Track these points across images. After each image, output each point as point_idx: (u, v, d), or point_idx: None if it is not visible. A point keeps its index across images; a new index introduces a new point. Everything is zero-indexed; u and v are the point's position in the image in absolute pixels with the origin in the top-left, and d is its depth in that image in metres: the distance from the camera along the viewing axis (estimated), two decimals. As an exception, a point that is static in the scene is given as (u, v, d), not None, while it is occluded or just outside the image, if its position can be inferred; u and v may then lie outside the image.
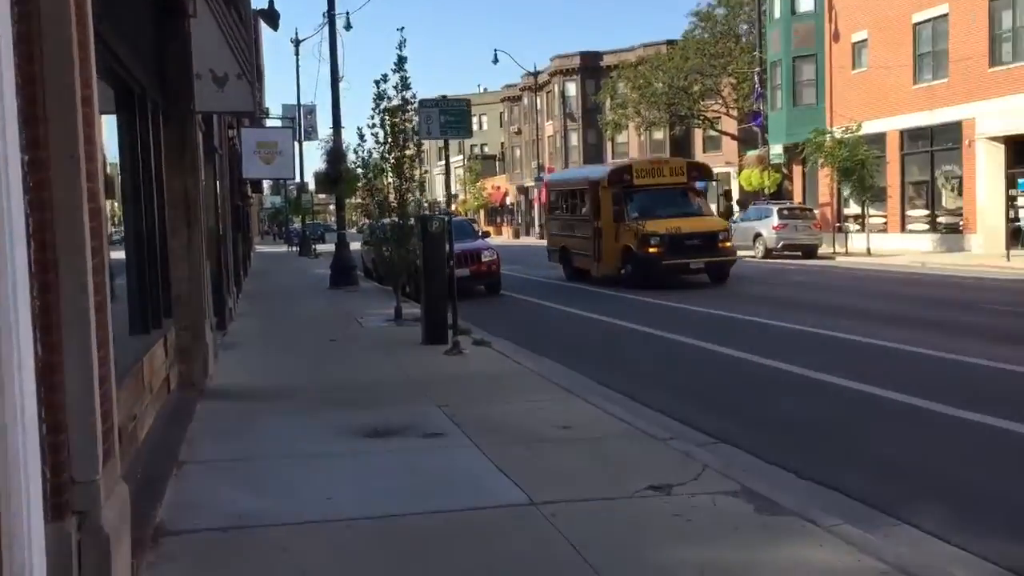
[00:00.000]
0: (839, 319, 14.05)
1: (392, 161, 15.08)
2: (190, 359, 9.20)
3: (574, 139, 64.34)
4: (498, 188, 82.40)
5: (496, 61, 62.98)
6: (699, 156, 59.15)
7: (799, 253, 29.46)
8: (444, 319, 12.29)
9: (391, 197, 15.31)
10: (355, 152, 15.47)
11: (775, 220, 29.14)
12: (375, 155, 15.24)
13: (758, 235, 29.68)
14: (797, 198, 35.94)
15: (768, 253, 29.45)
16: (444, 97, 11.58)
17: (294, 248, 51.58)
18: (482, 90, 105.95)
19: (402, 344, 12.30)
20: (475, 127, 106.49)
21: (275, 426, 7.55)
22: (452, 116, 11.24)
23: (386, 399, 8.52)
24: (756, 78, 37.15)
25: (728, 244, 21.18)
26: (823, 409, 8.31)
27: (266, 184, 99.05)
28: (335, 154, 21.53)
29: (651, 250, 20.24)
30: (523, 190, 76.35)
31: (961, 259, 25.56)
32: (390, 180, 15.36)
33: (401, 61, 14.66)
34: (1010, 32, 26.57)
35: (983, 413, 7.58)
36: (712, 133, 53.46)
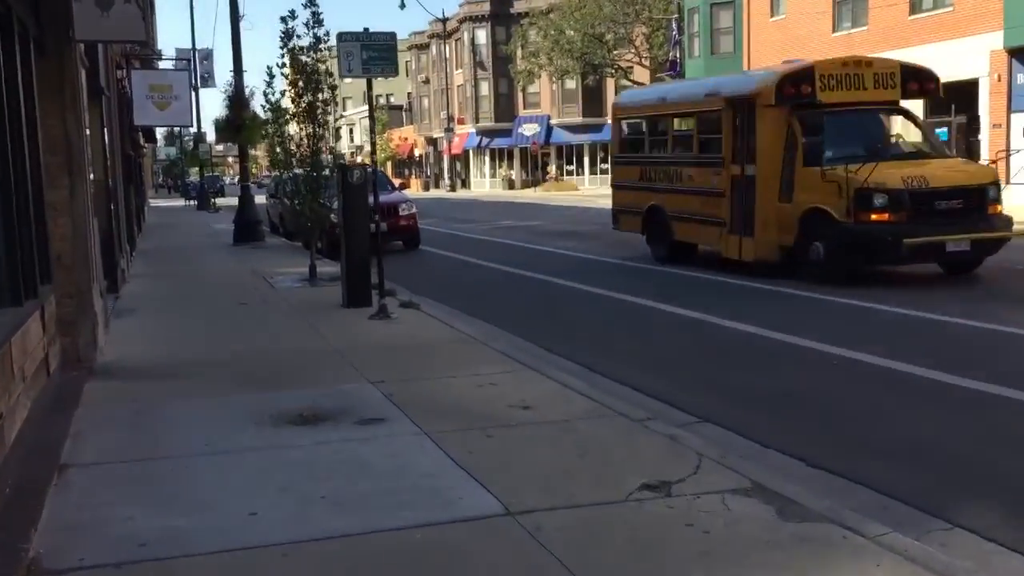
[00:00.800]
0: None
1: (304, 106, 13.75)
2: (75, 331, 7.90)
3: (484, 88, 62.87)
4: (406, 139, 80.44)
5: (403, 6, 60.58)
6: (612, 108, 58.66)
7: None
8: (367, 279, 11.16)
9: (302, 146, 14.00)
10: (264, 95, 14.02)
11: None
12: (285, 99, 13.86)
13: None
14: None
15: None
16: (366, 30, 10.28)
17: (192, 202, 49.11)
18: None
19: (321, 307, 11.13)
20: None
21: (179, 413, 6.37)
22: (376, 51, 9.98)
23: (310, 375, 7.41)
24: (674, 25, 36.42)
25: (1001, 209, 12.48)
26: (803, 377, 7.55)
27: (160, 133, 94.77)
28: (237, 99, 19.89)
29: (877, 217, 11.79)
30: (432, 141, 74.63)
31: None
32: (301, 127, 14.01)
33: (312, -6, 13.33)
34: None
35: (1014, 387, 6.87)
36: (625, 82, 52.67)
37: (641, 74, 51.78)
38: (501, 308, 11.47)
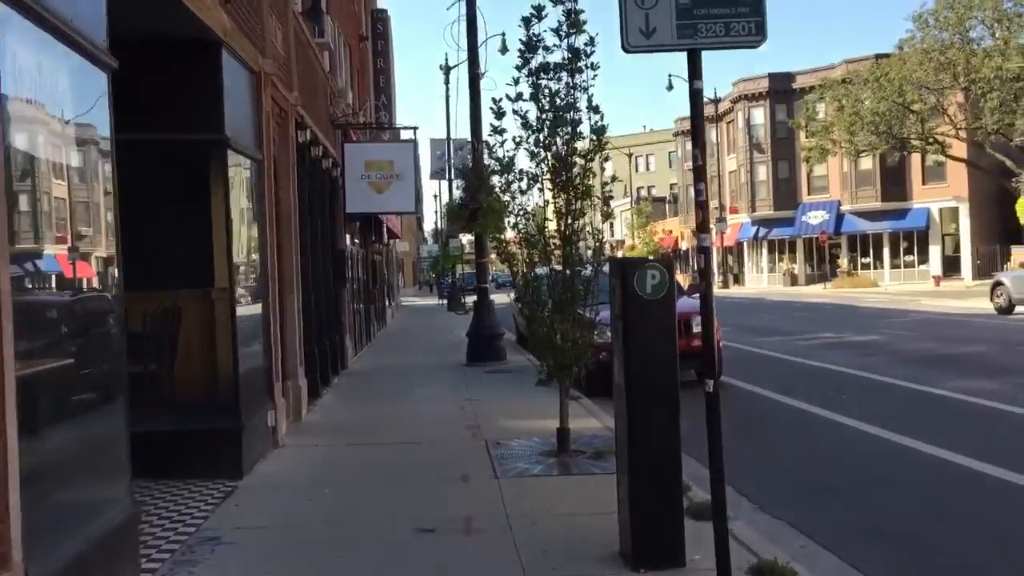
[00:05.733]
0: None
1: (550, 161, 8.26)
2: None
3: (762, 173, 56.03)
4: (669, 232, 74.75)
5: (671, 88, 55.06)
6: (918, 189, 49.96)
7: None
8: (672, 501, 5.13)
9: (549, 228, 8.51)
10: (489, 148, 8.65)
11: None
12: (523, 149, 8.39)
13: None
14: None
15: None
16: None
17: (444, 301, 45.72)
18: (647, 130, 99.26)
19: (577, 560, 5.22)
20: (641, 168, 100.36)
21: None
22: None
23: None
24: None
25: None
26: None
27: (427, 229, 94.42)
28: (474, 177, 14.88)
29: None
30: (699, 234, 68.28)
31: None
32: (548, 196, 8.50)
33: (567, -15, 8.06)
34: None
35: None
36: (941, 159, 44.13)
37: (959, 149, 43.11)
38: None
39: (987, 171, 43.16)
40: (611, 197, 8.50)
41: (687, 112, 4.76)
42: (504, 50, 23.95)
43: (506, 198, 8.65)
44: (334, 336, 14.97)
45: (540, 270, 8.43)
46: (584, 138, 8.33)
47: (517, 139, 8.32)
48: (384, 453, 8.79)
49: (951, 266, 48.96)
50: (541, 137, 8.27)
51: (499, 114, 8.38)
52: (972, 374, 12.43)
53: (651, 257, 53.28)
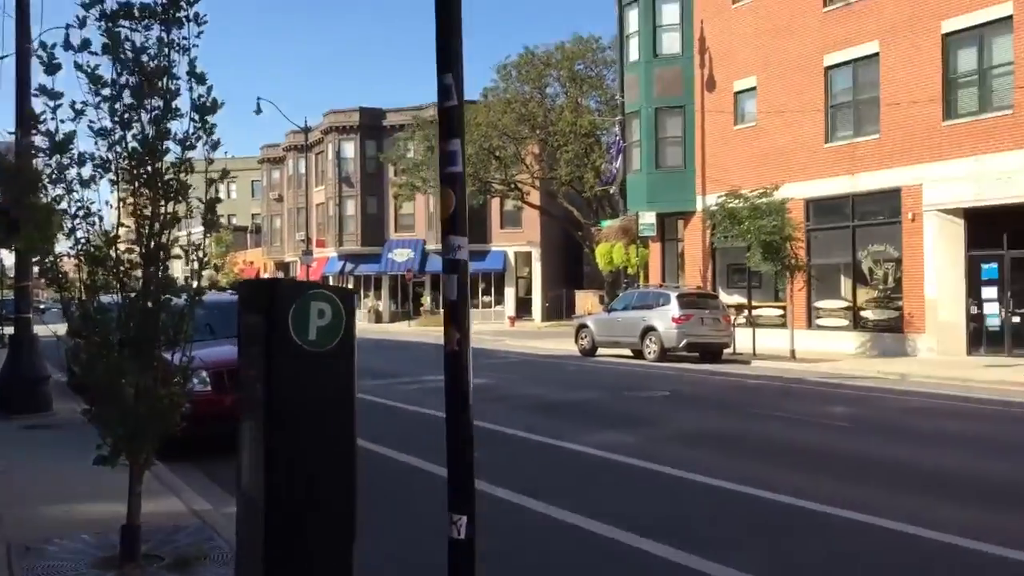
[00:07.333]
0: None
1: (131, 143, 5.82)
2: None
3: (350, 207, 55.20)
4: (251, 264, 71.38)
5: (259, 111, 52.19)
6: (497, 233, 52.25)
7: (697, 355, 22.04)
8: None
9: (122, 240, 6.05)
10: (33, 116, 5.94)
11: (675, 309, 21.55)
12: (87, 122, 5.81)
13: (650, 329, 21.96)
14: (654, 279, 29.12)
15: (663, 355, 21.76)
16: None
17: (-23, 332, 38.25)
18: (229, 156, 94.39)
19: None
20: (222, 195, 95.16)
21: None
22: None
23: None
24: (617, 129, 30.11)
25: None
26: None
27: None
28: (11, 165, 11.41)
29: None
30: (283, 266, 65.97)
31: (927, 368, 19.13)
32: (123, 194, 6.01)
33: None
34: (974, 75, 20.99)
35: None
36: (520, 204, 46.49)
37: (534, 196, 45.83)
38: None
39: (557, 219, 46.29)
40: (218, 200, 6.23)
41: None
42: (70, 47, 19.97)
43: (58, 191, 5.96)
44: None
45: (107, 298, 5.86)
46: (183, 116, 6.00)
47: (79, 105, 5.73)
48: None
49: (523, 307, 51.76)
50: (118, 107, 5.80)
51: (52, 67, 5.75)
52: (599, 425, 11.70)
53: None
